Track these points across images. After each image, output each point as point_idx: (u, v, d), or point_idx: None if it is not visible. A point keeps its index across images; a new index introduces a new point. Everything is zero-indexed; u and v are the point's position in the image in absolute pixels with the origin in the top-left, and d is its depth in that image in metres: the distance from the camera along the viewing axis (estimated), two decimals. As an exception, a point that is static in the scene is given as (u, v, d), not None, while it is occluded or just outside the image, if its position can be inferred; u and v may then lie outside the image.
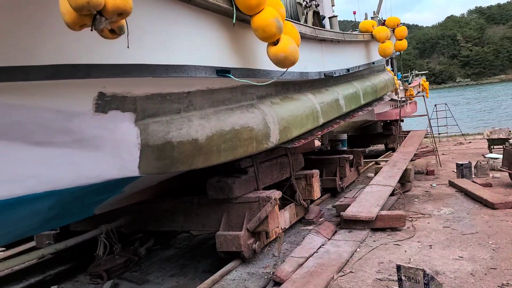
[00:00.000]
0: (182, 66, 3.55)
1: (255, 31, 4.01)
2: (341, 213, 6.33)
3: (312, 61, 6.33)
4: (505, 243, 5.15)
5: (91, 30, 2.27)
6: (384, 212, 6.26)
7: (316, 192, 6.79)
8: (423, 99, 14.74)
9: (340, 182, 8.91)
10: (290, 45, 4.09)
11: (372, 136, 16.39)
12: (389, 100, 12.90)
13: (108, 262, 5.33)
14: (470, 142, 17.03)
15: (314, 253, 5.18)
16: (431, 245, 5.27)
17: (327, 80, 7.30)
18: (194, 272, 5.43)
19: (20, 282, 5.55)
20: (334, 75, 7.25)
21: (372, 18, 12.41)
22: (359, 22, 10.77)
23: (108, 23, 2.25)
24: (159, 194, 5.84)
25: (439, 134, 18.15)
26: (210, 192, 5.21)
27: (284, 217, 6.07)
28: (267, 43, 4.14)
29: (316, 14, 7.49)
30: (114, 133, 3.39)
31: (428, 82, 22.52)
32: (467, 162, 9.42)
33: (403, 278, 3.72)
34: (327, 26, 8.97)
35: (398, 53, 15.11)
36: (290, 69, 4.43)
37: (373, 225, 6.03)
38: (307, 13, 7.05)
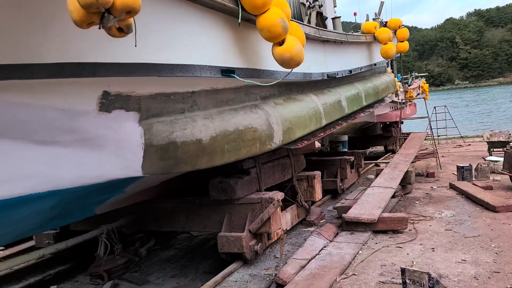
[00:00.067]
0: (187, 65, 3.52)
1: (261, 31, 3.97)
2: (343, 215, 6.31)
3: (315, 62, 6.30)
4: (507, 246, 5.13)
5: (99, 28, 2.24)
6: (386, 214, 6.23)
7: (318, 194, 6.76)
8: (423, 101, 14.75)
9: (341, 184, 8.90)
10: (296, 46, 4.06)
11: (371, 137, 16.37)
12: (389, 102, 12.89)
13: (109, 263, 5.30)
14: (469, 145, 17.03)
15: (316, 255, 5.15)
16: (433, 248, 5.25)
17: (330, 81, 7.28)
18: (194, 273, 5.41)
19: (19, 282, 5.52)
20: (337, 76, 7.22)
21: (373, 19, 12.38)
22: (360, 24, 10.74)
23: (116, 21, 2.23)
24: (161, 195, 5.80)
25: (438, 136, 18.17)
26: (212, 192, 5.19)
27: (285, 219, 6.05)
28: (272, 43, 4.11)
29: (319, 14, 7.46)
30: (118, 132, 3.36)
31: (427, 84, 22.52)
32: (468, 165, 9.41)
33: (407, 281, 3.71)
34: (330, 27, 8.95)
35: (399, 54, 15.10)
36: (294, 69, 4.41)
37: (375, 227, 6.01)
38: (310, 13, 7.02)
